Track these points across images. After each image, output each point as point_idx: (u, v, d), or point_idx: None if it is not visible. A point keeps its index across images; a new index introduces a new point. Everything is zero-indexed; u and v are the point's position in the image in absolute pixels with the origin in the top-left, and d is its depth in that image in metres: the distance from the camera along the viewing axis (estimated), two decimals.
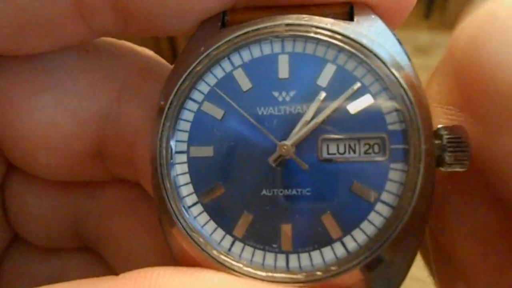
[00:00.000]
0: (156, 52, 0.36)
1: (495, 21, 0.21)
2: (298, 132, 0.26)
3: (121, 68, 0.33)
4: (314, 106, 0.26)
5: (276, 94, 0.27)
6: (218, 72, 0.28)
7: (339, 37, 0.26)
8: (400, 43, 0.27)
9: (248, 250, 0.26)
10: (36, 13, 0.26)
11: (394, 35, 0.27)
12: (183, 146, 0.28)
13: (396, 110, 0.26)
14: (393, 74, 0.26)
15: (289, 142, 0.26)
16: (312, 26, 0.27)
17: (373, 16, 0.27)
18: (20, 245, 0.39)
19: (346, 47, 0.26)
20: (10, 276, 0.39)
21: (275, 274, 0.25)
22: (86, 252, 0.40)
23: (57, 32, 0.28)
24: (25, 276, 0.39)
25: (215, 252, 0.26)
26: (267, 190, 0.27)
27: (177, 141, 0.28)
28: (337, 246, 0.25)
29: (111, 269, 0.38)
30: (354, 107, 0.26)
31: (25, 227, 0.38)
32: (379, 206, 0.25)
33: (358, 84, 0.26)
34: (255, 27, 0.27)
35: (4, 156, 0.34)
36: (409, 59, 0.27)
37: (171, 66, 0.35)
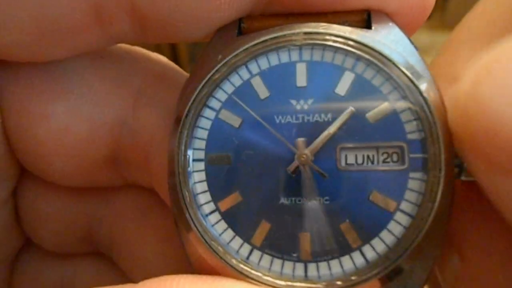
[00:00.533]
0: None
1: (491, 77, 0.21)
2: (319, 142, 0.26)
3: (136, 75, 0.33)
4: (340, 120, 0.26)
5: (294, 102, 0.27)
6: (236, 80, 0.28)
7: (357, 45, 0.26)
8: (417, 50, 0.27)
9: (266, 258, 0.26)
10: (56, 22, 0.26)
11: (412, 43, 0.27)
12: (201, 154, 0.28)
13: (416, 119, 0.26)
14: (412, 83, 0.25)
15: (308, 151, 0.26)
16: (330, 34, 0.27)
17: (390, 24, 0.27)
18: (32, 249, 0.39)
19: (364, 55, 0.26)
20: (22, 280, 0.39)
21: (295, 284, 0.25)
22: (98, 257, 0.40)
23: (75, 39, 0.28)
24: (37, 281, 0.39)
25: (234, 261, 0.26)
26: (285, 198, 0.27)
27: (194, 149, 0.28)
28: (356, 255, 0.25)
29: (123, 275, 0.38)
30: (373, 115, 0.26)
31: (38, 232, 0.38)
32: (399, 216, 0.25)
33: (377, 93, 0.26)
34: (273, 35, 0.27)
35: (18, 161, 0.34)
36: (427, 67, 0.27)
37: (185, 73, 0.35)
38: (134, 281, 0.24)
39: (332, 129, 0.26)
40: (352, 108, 0.26)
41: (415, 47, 0.27)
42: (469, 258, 0.26)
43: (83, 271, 0.40)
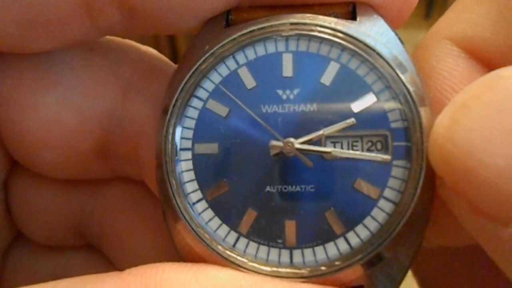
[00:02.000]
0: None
1: (468, 113, 0.21)
2: (303, 129, 0.27)
3: (126, 67, 0.33)
4: (338, 126, 0.27)
5: (280, 92, 0.27)
6: (223, 70, 0.28)
7: (342, 36, 0.27)
8: (402, 42, 0.27)
9: (253, 245, 0.27)
10: (45, 12, 0.27)
11: (396, 34, 0.28)
12: (188, 143, 0.28)
13: (399, 108, 0.26)
14: (396, 73, 0.26)
15: (293, 140, 0.27)
16: (316, 25, 0.27)
17: (375, 16, 0.28)
18: (23, 242, 0.40)
19: (349, 46, 0.27)
20: (13, 273, 0.39)
21: (280, 269, 0.26)
22: (89, 250, 0.40)
23: (64, 30, 0.28)
24: (28, 274, 0.39)
25: (220, 248, 0.26)
26: (271, 186, 0.27)
27: (182, 138, 0.28)
28: (341, 242, 0.26)
29: (114, 267, 0.39)
30: (357, 105, 0.26)
31: (28, 225, 0.38)
32: (382, 203, 0.26)
33: (362, 83, 0.27)
34: (260, 26, 0.28)
35: (8, 154, 0.34)
36: (411, 58, 0.27)
37: (175, 65, 0.35)
38: None
39: (327, 131, 0.27)
40: (354, 120, 0.26)
41: (400, 39, 0.28)
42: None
43: (74, 264, 0.40)
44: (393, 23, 0.28)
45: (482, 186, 0.20)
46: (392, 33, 0.28)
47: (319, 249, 0.26)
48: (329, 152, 0.26)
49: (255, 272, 0.26)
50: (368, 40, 0.26)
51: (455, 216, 0.24)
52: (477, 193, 0.20)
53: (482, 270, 0.33)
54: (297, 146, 0.26)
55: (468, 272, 0.33)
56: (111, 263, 0.39)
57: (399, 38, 0.28)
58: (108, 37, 0.34)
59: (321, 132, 0.27)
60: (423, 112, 0.25)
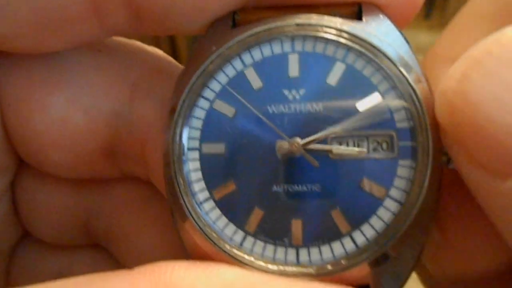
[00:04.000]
0: None
1: (480, 71, 0.21)
2: (309, 129, 0.27)
3: (133, 67, 0.33)
4: (347, 123, 0.27)
5: (286, 92, 0.28)
6: (230, 71, 0.29)
7: (348, 36, 0.27)
8: (408, 42, 0.28)
9: (259, 244, 0.27)
10: (54, 14, 0.27)
11: (402, 34, 0.28)
12: (195, 143, 0.29)
13: (404, 108, 0.26)
14: (401, 73, 0.26)
15: (299, 139, 0.27)
16: (321, 25, 0.27)
17: (381, 16, 0.28)
18: (30, 241, 0.40)
19: (355, 46, 0.27)
20: (20, 272, 0.39)
21: (286, 268, 0.26)
22: (95, 249, 0.40)
23: (73, 31, 0.29)
24: (35, 272, 0.39)
25: (227, 247, 0.27)
26: (277, 186, 0.27)
27: (189, 138, 0.29)
28: (347, 241, 0.26)
29: (121, 266, 0.39)
30: (363, 105, 0.27)
31: (35, 224, 0.38)
32: (388, 202, 0.26)
33: (367, 83, 0.27)
34: (266, 27, 0.28)
35: (16, 153, 0.35)
36: (416, 58, 0.27)
37: (181, 66, 0.35)
38: None
39: (338, 128, 0.27)
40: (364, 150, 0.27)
41: (406, 39, 0.28)
42: (448, 228, 0.27)
43: (81, 263, 0.40)
44: (399, 23, 0.29)
45: (487, 140, 0.20)
46: (398, 33, 0.28)
47: (325, 248, 0.26)
48: (330, 151, 0.27)
49: (262, 270, 0.26)
50: (373, 41, 0.27)
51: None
52: (480, 146, 0.21)
53: None
54: (303, 144, 0.27)
55: None
56: (118, 262, 0.39)
57: (405, 38, 0.28)
58: (115, 38, 0.34)
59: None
60: (429, 111, 0.26)
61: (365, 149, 0.26)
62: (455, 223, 0.27)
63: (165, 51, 0.37)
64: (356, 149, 0.27)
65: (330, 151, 0.27)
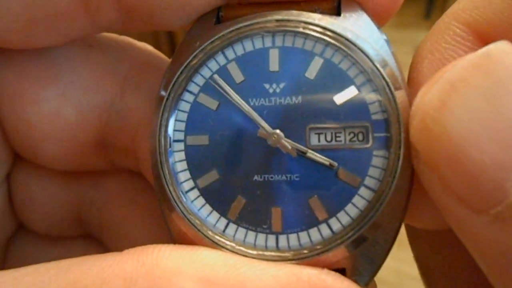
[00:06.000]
0: (155, 47, 0.38)
1: (457, 97, 0.20)
2: (288, 121, 0.28)
3: (123, 62, 0.35)
4: (325, 116, 0.28)
5: (267, 86, 0.29)
6: (213, 66, 0.30)
7: (326, 31, 0.28)
8: (385, 37, 0.29)
9: (241, 231, 0.28)
10: (44, 9, 0.28)
11: (379, 29, 0.29)
12: (181, 135, 0.30)
13: (379, 100, 0.27)
14: (376, 67, 0.27)
15: (279, 131, 0.28)
16: (300, 21, 0.28)
17: (359, 11, 0.29)
18: (25, 233, 0.41)
19: (333, 41, 0.28)
20: (15, 264, 0.40)
21: (265, 253, 0.27)
22: (89, 240, 0.42)
23: (63, 27, 0.30)
24: (29, 264, 0.40)
25: (210, 233, 0.28)
26: (258, 175, 0.28)
27: (175, 130, 0.30)
28: (323, 227, 0.27)
29: None
30: (340, 98, 0.28)
31: (30, 216, 0.39)
32: (363, 190, 0.27)
33: (344, 77, 0.28)
34: (247, 22, 0.29)
35: (12, 147, 0.36)
36: (392, 53, 0.28)
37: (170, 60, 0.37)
38: None
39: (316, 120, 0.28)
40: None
41: (383, 33, 0.29)
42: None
43: (75, 254, 0.41)
44: (380, 19, 0.30)
45: (463, 175, 0.20)
46: (375, 28, 0.29)
47: (303, 234, 0.27)
48: (305, 152, 0.28)
49: (242, 255, 0.27)
50: (349, 35, 0.28)
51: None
52: (457, 178, 0.21)
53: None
54: (283, 140, 0.28)
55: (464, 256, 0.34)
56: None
57: (382, 33, 0.29)
58: (106, 34, 0.35)
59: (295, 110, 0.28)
60: (401, 104, 0.27)
61: (335, 163, 0.27)
62: None
63: (164, 46, 0.38)
64: (327, 160, 0.28)
65: (305, 153, 0.28)
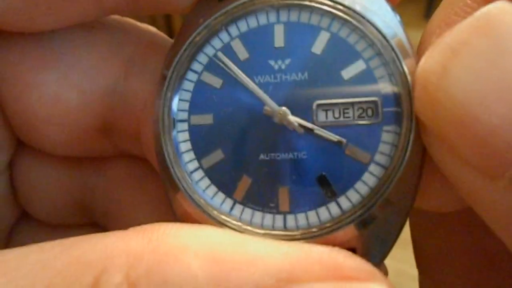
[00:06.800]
0: None
1: (459, 61, 0.20)
2: (295, 98, 0.28)
3: (127, 44, 0.34)
4: (332, 91, 0.27)
5: (272, 62, 0.28)
6: (216, 43, 0.29)
7: (332, 4, 0.27)
8: (393, 10, 0.28)
9: (248, 211, 0.28)
10: None
11: (388, 2, 0.28)
12: (184, 115, 0.29)
13: (388, 74, 0.27)
14: (386, 39, 0.27)
15: (285, 107, 0.27)
16: None
17: None
18: (28, 221, 0.40)
19: (340, 14, 0.27)
20: None
21: (273, 232, 0.26)
22: (93, 227, 0.41)
23: (66, 9, 0.29)
24: None
25: (215, 213, 0.27)
26: (264, 154, 0.28)
27: (178, 110, 0.29)
28: (332, 206, 0.26)
29: None
30: (347, 72, 0.27)
31: (33, 204, 0.39)
32: (373, 167, 0.26)
33: (352, 51, 0.27)
34: None
35: (14, 134, 0.35)
36: (402, 26, 0.28)
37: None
38: None
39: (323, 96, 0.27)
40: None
41: (392, 7, 0.28)
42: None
43: None
44: None
45: (473, 140, 0.20)
46: (384, 3, 0.28)
47: (311, 214, 0.27)
48: (313, 129, 0.27)
49: (249, 234, 0.26)
50: (358, 8, 0.27)
51: (441, 182, 0.25)
52: (467, 144, 0.20)
53: (474, 243, 0.33)
54: (289, 117, 0.27)
55: (461, 244, 0.34)
56: None
57: (391, 6, 0.28)
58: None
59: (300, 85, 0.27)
60: (412, 77, 0.26)
61: (344, 140, 0.27)
62: None
63: (161, 30, 0.38)
64: (336, 137, 0.27)
65: (312, 130, 0.27)
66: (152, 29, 0.36)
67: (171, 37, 0.36)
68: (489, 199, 0.21)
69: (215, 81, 0.29)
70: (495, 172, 0.20)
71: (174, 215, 0.29)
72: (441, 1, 0.28)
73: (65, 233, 0.40)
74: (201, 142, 0.29)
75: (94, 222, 0.41)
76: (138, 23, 0.36)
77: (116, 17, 0.35)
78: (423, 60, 0.23)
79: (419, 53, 0.28)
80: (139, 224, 0.37)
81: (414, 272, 0.37)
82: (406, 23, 0.30)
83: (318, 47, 0.28)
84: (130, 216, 0.37)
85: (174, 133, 0.29)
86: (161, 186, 0.30)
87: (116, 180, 0.38)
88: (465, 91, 0.20)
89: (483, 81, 0.19)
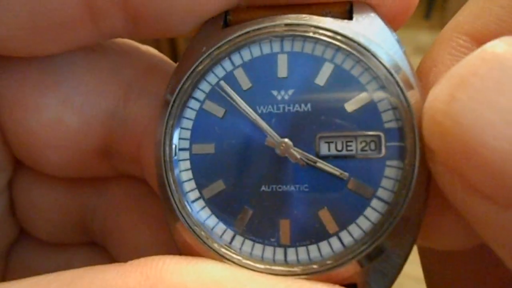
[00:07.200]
0: None
1: (467, 92, 0.20)
2: (297, 130, 0.27)
3: (127, 67, 0.34)
4: (335, 124, 0.27)
5: (275, 93, 0.28)
6: (219, 72, 0.29)
7: (337, 36, 0.27)
8: (398, 42, 0.28)
9: (248, 243, 0.27)
10: (49, 17, 0.27)
11: (393, 34, 0.28)
12: (186, 144, 0.29)
13: (393, 108, 0.26)
14: (390, 73, 0.26)
15: (287, 140, 0.27)
16: (310, 25, 0.28)
17: (372, 15, 0.28)
18: (27, 240, 0.40)
19: (344, 46, 0.27)
20: (16, 271, 0.40)
21: (273, 267, 0.26)
22: (92, 247, 0.41)
23: (68, 35, 0.29)
24: (31, 271, 0.40)
25: (216, 245, 0.27)
26: (266, 186, 0.27)
27: (180, 138, 0.29)
28: (334, 241, 0.26)
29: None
30: (351, 105, 0.27)
31: (32, 223, 0.39)
32: (375, 202, 0.26)
33: (356, 83, 0.27)
34: (255, 27, 0.28)
35: (13, 154, 0.35)
36: (407, 58, 0.27)
37: (175, 64, 0.36)
38: None
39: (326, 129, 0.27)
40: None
41: (397, 38, 0.28)
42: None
43: (78, 261, 0.41)
44: (394, 23, 0.28)
45: (484, 167, 0.19)
46: (388, 33, 0.28)
47: (312, 248, 0.26)
48: (315, 162, 0.27)
49: (250, 269, 0.26)
50: (362, 40, 0.27)
51: (450, 221, 0.24)
52: (477, 173, 0.20)
53: (487, 273, 0.33)
54: (291, 149, 0.27)
55: (474, 275, 0.33)
56: (114, 260, 0.39)
57: (396, 37, 0.28)
58: None
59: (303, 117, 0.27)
60: (416, 112, 0.26)
61: (346, 174, 0.27)
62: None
63: (165, 52, 0.37)
64: (338, 171, 0.27)
65: (314, 163, 0.27)
66: (153, 51, 0.36)
67: (175, 59, 0.36)
68: (501, 229, 0.20)
69: (217, 110, 0.29)
70: (507, 201, 0.19)
71: (175, 245, 0.29)
72: (441, 1, 0.27)
73: (65, 252, 0.41)
74: (202, 172, 0.29)
75: (94, 242, 0.40)
76: (139, 45, 0.36)
77: (116, 39, 0.35)
78: (431, 93, 0.23)
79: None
80: (138, 245, 0.37)
81: (415, 273, 0.37)
82: (406, 23, 0.30)
83: (321, 78, 0.27)
84: (130, 236, 0.37)
85: (175, 161, 0.29)
86: (159, 207, 0.30)
87: (115, 201, 0.38)
88: (474, 118, 0.20)
89: (491, 108, 0.19)
